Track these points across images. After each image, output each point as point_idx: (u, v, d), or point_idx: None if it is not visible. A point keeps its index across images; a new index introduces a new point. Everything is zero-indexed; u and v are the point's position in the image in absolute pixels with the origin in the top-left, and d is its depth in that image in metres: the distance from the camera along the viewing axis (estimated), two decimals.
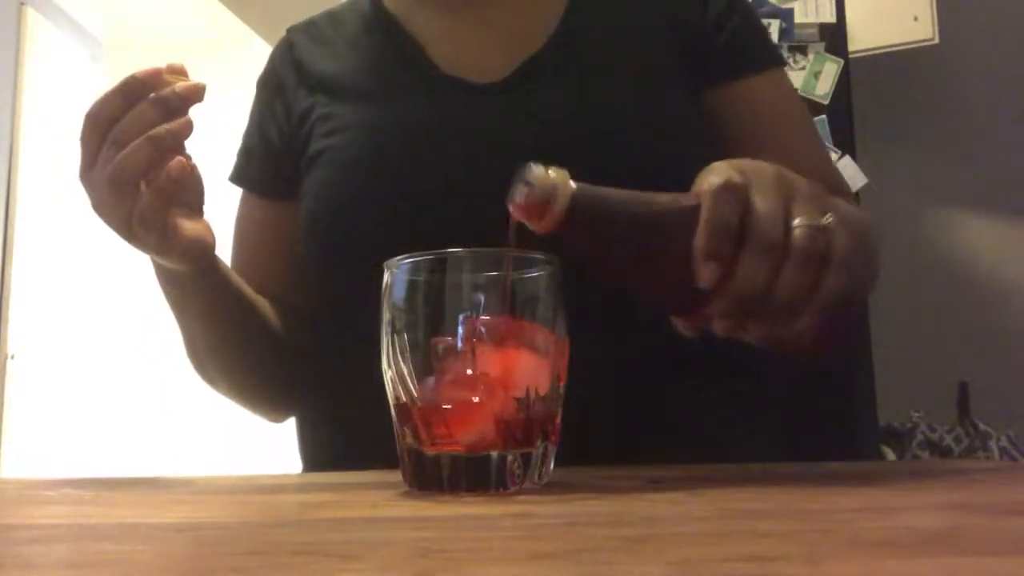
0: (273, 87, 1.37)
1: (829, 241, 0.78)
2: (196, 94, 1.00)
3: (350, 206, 1.18)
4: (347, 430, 1.20)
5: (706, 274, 0.76)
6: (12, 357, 4.35)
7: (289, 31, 1.42)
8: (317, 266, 1.23)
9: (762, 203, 0.78)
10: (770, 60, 1.33)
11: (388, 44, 1.32)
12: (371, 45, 1.34)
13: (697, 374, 1.17)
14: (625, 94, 1.22)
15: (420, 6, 1.34)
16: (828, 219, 0.79)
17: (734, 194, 0.78)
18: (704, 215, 0.77)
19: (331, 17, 1.42)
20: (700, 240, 0.77)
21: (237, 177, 1.40)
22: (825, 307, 0.78)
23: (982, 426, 3.45)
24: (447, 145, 1.18)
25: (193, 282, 1.13)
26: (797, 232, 0.77)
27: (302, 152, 1.29)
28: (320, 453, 1.29)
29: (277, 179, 1.34)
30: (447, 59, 1.27)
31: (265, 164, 1.36)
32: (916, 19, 3.52)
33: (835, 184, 1.30)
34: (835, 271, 0.78)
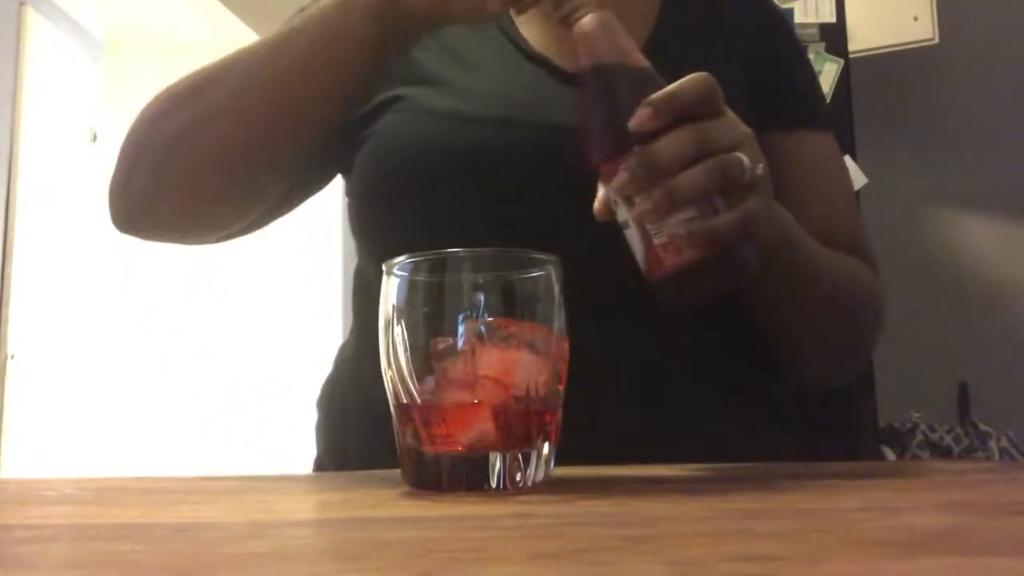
0: None
1: (751, 190, 0.89)
2: None
3: (436, 151, 1.15)
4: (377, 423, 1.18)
5: (639, 116, 0.85)
6: (12, 357, 4.35)
7: None
8: (375, 218, 1.20)
9: (724, 122, 0.90)
10: (824, 122, 1.37)
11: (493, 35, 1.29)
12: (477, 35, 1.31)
13: (698, 374, 1.17)
14: None
15: None
16: (760, 169, 0.90)
17: (713, 97, 0.89)
18: (673, 85, 0.87)
19: None
20: (655, 95, 0.86)
21: None
22: (706, 235, 0.86)
23: (982, 426, 3.45)
24: (534, 121, 1.17)
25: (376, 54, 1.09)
26: (731, 156, 0.87)
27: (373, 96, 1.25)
28: (349, 442, 1.28)
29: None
30: (539, 42, 1.26)
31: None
32: (916, 19, 3.52)
33: (862, 251, 1.32)
34: (739, 212, 0.87)
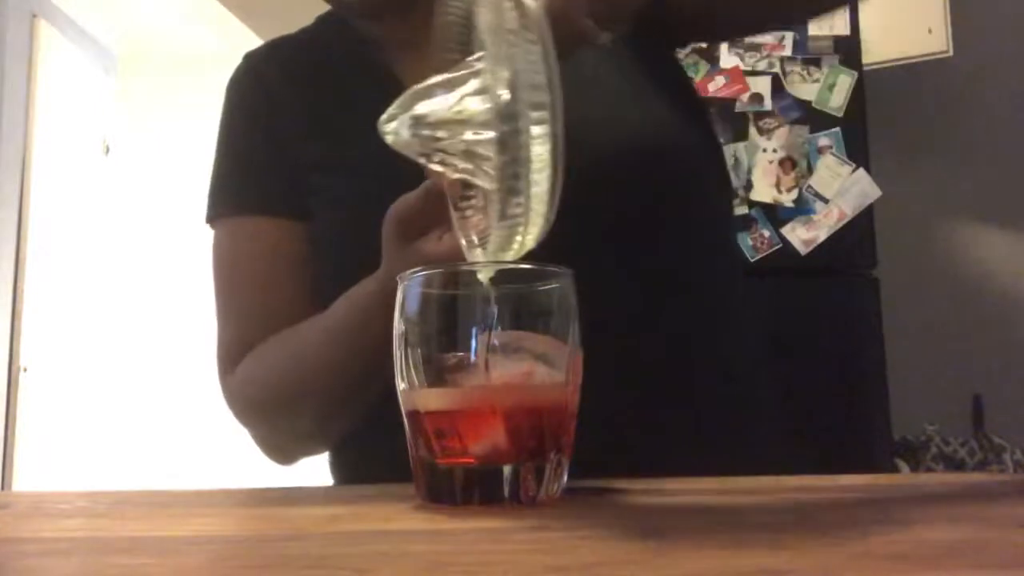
0: (257, 113, 1.35)
1: None
2: None
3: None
4: (375, 450, 1.18)
5: None
6: (25, 370, 4.36)
7: (255, 62, 1.40)
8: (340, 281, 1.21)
9: None
10: None
11: (373, 85, 1.28)
12: (353, 83, 1.32)
13: (711, 388, 1.17)
14: (600, 113, 1.21)
15: (391, 42, 1.32)
16: None
17: None
18: None
19: (301, 46, 1.40)
20: None
21: (242, 200, 1.33)
22: None
23: (996, 439, 3.44)
24: None
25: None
26: None
27: (302, 177, 1.27)
28: (349, 473, 1.29)
29: (284, 195, 1.29)
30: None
31: (271, 180, 1.31)
32: (930, 31, 3.53)
33: None
34: None
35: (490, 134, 0.74)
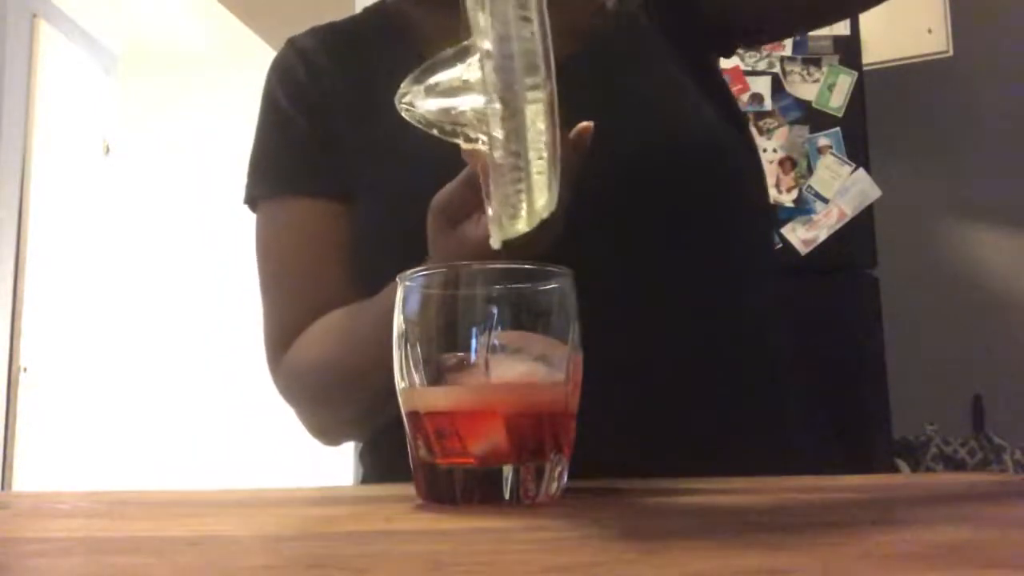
0: (304, 94, 1.34)
1: None
2: None
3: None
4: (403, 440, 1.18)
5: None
6: (25, 370, 4.36)
7: (301, 45, 1.39)
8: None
9: None
10: None
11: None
12: (401, 71, 1.31)
13: (712, 387, 1.17)
14: (653, 104, 1.22)
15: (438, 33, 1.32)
16: None
17: None
18: None
19: (342, 33, 1.41)
20: None
21: (287, 180, 1.33)
22: None
23: (996, 439, 3.44)
24: None
25: None
26: None
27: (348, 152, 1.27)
28: (379, 462, 1.30)
29: (330, 176, 1.30)
30: None
31: (316, 160, 1.31)
32: (930, 31, 3.53)
33: None
34: None
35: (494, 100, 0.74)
